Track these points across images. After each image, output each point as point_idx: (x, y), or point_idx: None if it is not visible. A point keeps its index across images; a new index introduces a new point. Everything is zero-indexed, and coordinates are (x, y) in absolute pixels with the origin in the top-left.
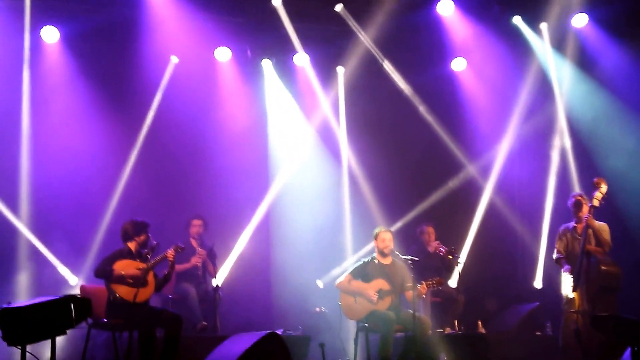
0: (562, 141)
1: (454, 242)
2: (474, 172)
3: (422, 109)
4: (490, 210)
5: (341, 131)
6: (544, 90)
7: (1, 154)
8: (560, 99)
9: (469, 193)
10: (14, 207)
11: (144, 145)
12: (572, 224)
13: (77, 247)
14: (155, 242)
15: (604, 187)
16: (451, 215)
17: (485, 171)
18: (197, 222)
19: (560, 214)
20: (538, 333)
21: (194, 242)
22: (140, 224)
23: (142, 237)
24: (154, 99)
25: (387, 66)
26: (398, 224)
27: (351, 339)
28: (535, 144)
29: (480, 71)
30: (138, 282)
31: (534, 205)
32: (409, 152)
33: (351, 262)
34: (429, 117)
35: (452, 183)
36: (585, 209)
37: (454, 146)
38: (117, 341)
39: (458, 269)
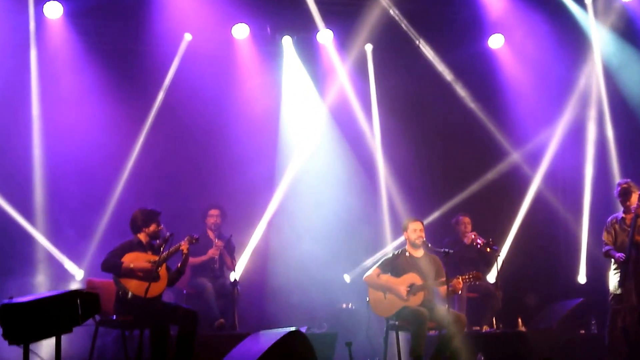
0: (606, 126)
1: (493, 234)
2: (519, 159)
3: (458, 90)
4: (536, 201)
5: (373, 114)
6: (590, 68)
7: (10, 134)
8: (605, 79)
9: (513, 182)
10: (22, 193)
11: (155, 127)
12: (620, 214)
13: (85, 234)
14: (168, 233)
15: None
16: (492, 206)
17: (533, 159)
18: (214, 212)
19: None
20: (582, 331)
21: (210, 234)
22: (151, 212)
23: (153, 227)
24: (166, 79)
25: (422, 45)
26: (434, 215)
27: (380, 338)
28: (585, 129)
29: (520, 48)
30: (149, 275)
31: (583, 195)
32: (445, 136)
33: (381, 255)
34: (466, 99)
35: (491, 175)
36: (635, 197)
37: (495, 131)
38: (127, 340)
39: (497, 262)
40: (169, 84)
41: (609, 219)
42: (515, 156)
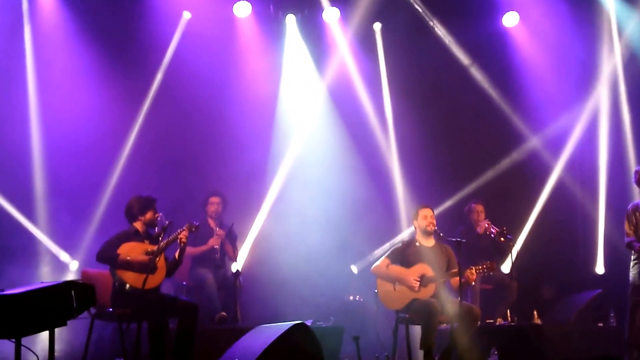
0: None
1: (509, 222)
2: (537, 144)
3: (473, 71)
4: (555, 189)
5: (383, 97)
6: (610, 49)
7: (3, 118)
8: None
9: (531, 168)
10: (15, 179)
11: (153, 110)
12: None
13: (81, 222)
14: (167, 221)
15: None
16: (508, 194)
17: (551, 144)
18: (215, 199)
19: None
20: (600, 324)
21: (211, 222)
22: (147, 199)
23: (149, 215)
24: (164, 60)
25: (435, 24)
26: (447, 204)
27: (389, 331)
28: (603, 114)
29: (536, 27)
30: (147, 266)
31: (600, 182)
32: (460, 120)
33: (390, 245)
34: (481, 81)
35: (508, 161)
36: None
37: (512, 115)
38: (125, 333)
39: (511, 252)
40: (167, 65)
41: (630, 207)
42: (533, 141)
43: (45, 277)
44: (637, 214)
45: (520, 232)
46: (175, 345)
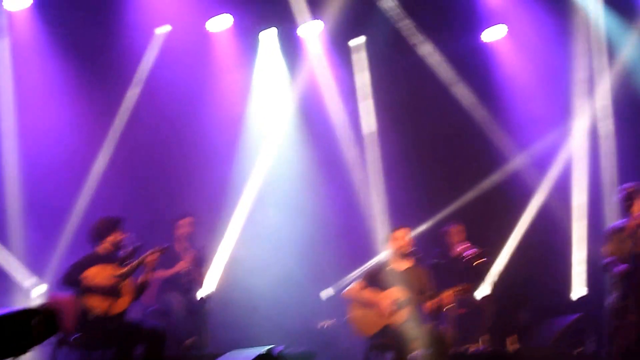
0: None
1: (490, 245)
2: (522, 164)
3: (457, 86)
4: (537, 209)
5: (368, 113)
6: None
7: None
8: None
9: (514, 188)
10: None
11: (126, 127)
12: (624, 221)
13: (50, 244)
14: (137, 244)
15: None
16: (490, 216)
17: (537, 163)
18: (184, 221)
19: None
20: (580, 349)
21: (181, 244)
22: (112, 220)
23: (116, 236)
24: (138, 76)
25: (418, 39)
26: (424, 226)
27: (362, 357)
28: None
29: (522, 40)
30: (113, 291)
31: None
32: (442, 138)
33: (363, 269)
34: (465, 97)
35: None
36: (639, 203)
37: (497, 133)
38: None
39: (489, 275)
40: (140, 81)
41: (610, 227)
42: (517, 161)
43: (12, 301)
44: (618, 235)
45: (499, 255)
46: None
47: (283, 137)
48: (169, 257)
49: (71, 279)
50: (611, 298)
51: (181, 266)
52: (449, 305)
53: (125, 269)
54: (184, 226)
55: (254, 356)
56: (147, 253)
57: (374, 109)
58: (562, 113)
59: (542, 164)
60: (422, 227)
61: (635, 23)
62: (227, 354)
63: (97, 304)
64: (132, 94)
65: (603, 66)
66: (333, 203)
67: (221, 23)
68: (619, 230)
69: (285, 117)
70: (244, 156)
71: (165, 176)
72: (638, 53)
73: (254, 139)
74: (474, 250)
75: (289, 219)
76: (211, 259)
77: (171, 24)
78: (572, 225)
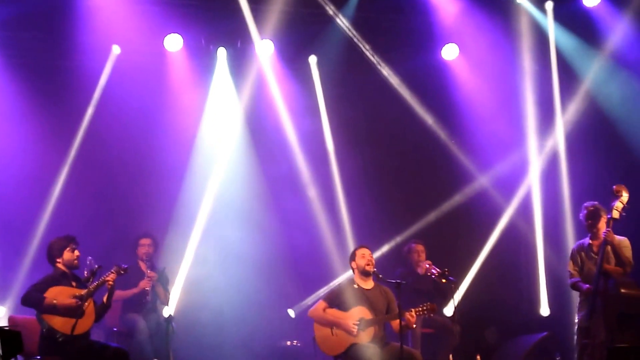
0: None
1: (455, 265)
2: (484, 183)
3: (415, 106)
4: (499, 228)
5: (325, 132)
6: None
7: None
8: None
9: (477, 208)
10: None
11: (82, 147)
12: (587, 240)
13: (10, 262)
14: (96, 265)
15: (625, 196)
16: (452, 235)
17: (499, 183)
18: (145, 241)
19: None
20: None
21: (142, 265)
22: (63, 239)
23: (67, 256)
24: (93, 96)
25: (376, 59)
26: (388, 246)
27: None
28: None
29: (478, 60)
30: (74, 311)
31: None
32: (401, 158)
33: (327, 288)
34: (424, 116)
35: (452, 202)
36: (603, 222)
37: (458, 152)
38: None
39: (454, 294)
40: (96, 101)
41: (575, 246)
42: (480, 181)
43: None
44: (583, 253)
45: (465, 274)
46: None
47: (238, 156)
48: (131, 278)
49: (32, 297)
50: (578, 317)
51: (143, 285)
52: (414, 325)
53: (85, 290)
54: (144, 246)
55: None
56: (107, 274)
57: (330, 127)
58: (521, 133)
59: (504, 184)
60: (385, 247)
61: (596, 44)
62: None
63: (60, 324)
64: (89, 114)
65: (563, 87)
66: (296, 222)
67: (175, 42)
68: (584, 248)
69: (240, 135)
70: (199, 175)
71: (124, 194)
72: (602, 74)
73: (208, 158)
74: (439, 269)
75: (249, 238)
76: (173, 279)
77: (126, 43)
78: (536, 244)
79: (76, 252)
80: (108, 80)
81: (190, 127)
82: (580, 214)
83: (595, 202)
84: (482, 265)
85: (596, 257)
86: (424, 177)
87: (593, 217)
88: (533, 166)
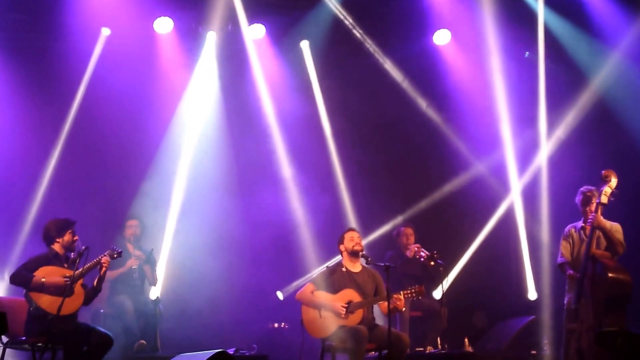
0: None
1: (448, 249)
2: (479, 169)
3: (409, 91)
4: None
5: (321, 114)
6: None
7: None
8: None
9: (474, 193)
10: None
11: (72, 130)
12: (580, 223)
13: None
14: (83, 247)
15: (613, 181)
16: (444, 219)
17: (494, 168)
18: (132, 222)
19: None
20: (534, 352)
21: (129, 246)
22: (64, 222)
23: (67, 237)
24: (82, 78)
25: (367, 41)
26: (380, 231)
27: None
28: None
29: (470, 45)
30: (63, 290)
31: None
32: (395, 142)
33: (316, 271)
34: (418, 101)
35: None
36: (593, 206)
37: (454, 138)
38: None
39: (443, 277)
40: (86, 84)
41: (567, 227)
42: (475, 166)
43: None
44: (575, 236)
45: (456, 258)
46: None
47: (228, 139)
48: (118, 259)
49: (21, 276)
50: (565, 300)
51: (131, 263)
52: (402, 307)
53: (76, 272)
54: (131, 227)
55: (204, 359)
56: (101, 257)
57: (321, 110)
58: (514, 120)
59: (498, 171)
60: (378, 232)
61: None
62: (177, 356)
63: (47, 303)
64: (79, 96)
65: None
66: (287, 206)
67: (165, 25)
68: (577, 230)
69: (229, 118)
70: (188, 156)
71: (113, 175)
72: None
73: (199, 142)
74: (428, 252)
75: (238, 219)
76: (161, 261)
77: (116, 25)
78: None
79: (75, 236)
80: (97, 62)
81: (179, 109)
82: (577, 198)
83: (592, 188)
84: (477, 250)
85: (587, 239)
86: (417, 162)
87: (587, 201)
88: (537, 152)
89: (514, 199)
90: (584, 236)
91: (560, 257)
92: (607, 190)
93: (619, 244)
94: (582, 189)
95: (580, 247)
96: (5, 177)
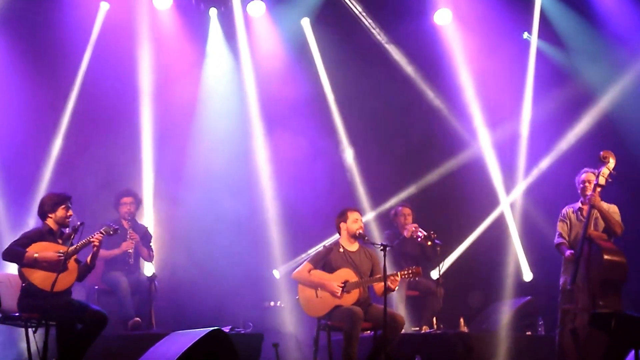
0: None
1: (447, 230)
2: (477, 150)
3: (408, 70)
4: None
5: (327, 92)
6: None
7: None
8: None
9: (469, 174)
10: None
11: (74, 107)
12: (578, 204)
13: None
14: (79, 222)
15: (612, 162)
16: (442, 200)
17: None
18: (127, 199)
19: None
20: (529, 333)
21: (125, 223)
22: (59, 196)
23: (61, 213)
24: (83, 52)
25: (367, 20)
26: (381, 209)
27: (310, 339)
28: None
29: (472, 25)
30: (56, 266)
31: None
32: (396, 121)
33: (313, 250)
34: (417, 80)
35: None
36: (592, 187)
37: (453, 118)
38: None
39: (440, 257)
40: (88, 58)
41: (565, 208)
42: (475, 147)
43: None
44: (573, 216)
45: (455, 239)
46: (70, 346)
47: (232, 118)
48: (112, 237)
49: (12, 252)
50: (561, 281)
51: (125, 247)
52: (395, 288)
53: (71, 248)
54: (125, 204)
55: (199, 337)
56: (95, 233)
57: (325, 90)
58: (516, 100)
59: (499, 151)
60: (377, 211)
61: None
62: (172, 334)
63: (40, 279)
64: (80, 73)
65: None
66: (284, 184)
67: (164, 0)
68: (575, 211)
69: (233, 96)
70: (191, 136)
71: (112, 150)
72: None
73: (201, 120)
74: (425, 232)
75: (235, 197)
76: (157, 239)
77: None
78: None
79: (70, 212)
80: (97, 38)
81: (180, 88)
82: (577, 178)
83: (590, 169)
84: (481, 234)
85: (585, 220)
86: (417, 142)
87: (587, 182)
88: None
89: (516, 184)
90: (581, 217)
91: (558, 237)
92: (605, 171)
93: (617, 224)
94: (583, 169)
95: (577, 227)
96: (9, 153)
